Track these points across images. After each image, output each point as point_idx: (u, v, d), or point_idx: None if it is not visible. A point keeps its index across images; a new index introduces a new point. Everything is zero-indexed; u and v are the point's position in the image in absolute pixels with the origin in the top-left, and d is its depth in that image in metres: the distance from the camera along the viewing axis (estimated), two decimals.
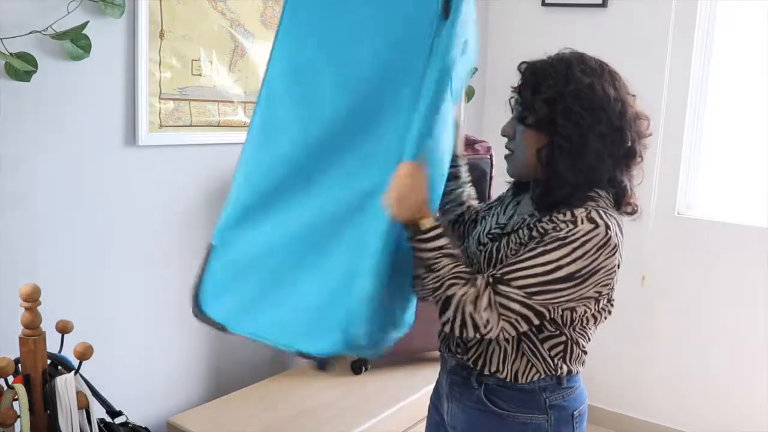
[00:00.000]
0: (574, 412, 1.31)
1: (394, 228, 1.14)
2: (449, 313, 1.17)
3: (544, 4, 2.93)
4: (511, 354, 1.28)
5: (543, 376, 1.28)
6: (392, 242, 1.14)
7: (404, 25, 1.19)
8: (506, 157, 1.32)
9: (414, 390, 2.12)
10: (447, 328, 1.19)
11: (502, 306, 1.16)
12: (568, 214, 1.18)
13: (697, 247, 2.73)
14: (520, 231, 1.25)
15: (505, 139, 1.31)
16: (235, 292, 1.21)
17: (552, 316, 1.22)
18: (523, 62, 1.28)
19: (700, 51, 2.68)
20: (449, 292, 1.17)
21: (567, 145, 1.19)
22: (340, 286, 1.12)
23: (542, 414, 1.28)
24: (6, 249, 1.59)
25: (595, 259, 1.15)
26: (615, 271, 1.20)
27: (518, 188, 1.38)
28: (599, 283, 1.19)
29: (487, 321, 1.16)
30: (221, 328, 1.21)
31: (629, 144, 1.22)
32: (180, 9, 1.82)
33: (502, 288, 1.16)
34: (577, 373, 1.32)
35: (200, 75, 1.91)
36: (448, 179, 1.50)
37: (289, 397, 2.05)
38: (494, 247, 1.29)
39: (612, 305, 1.31)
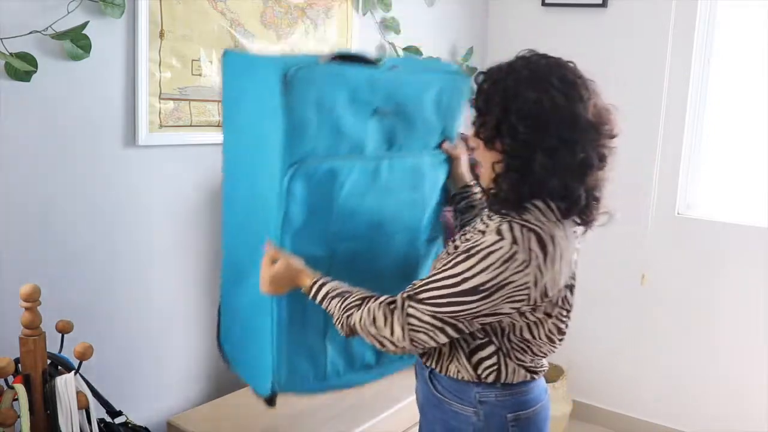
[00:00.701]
0: (509, 415, 1.27)
1: (276, 301, 1.37)
2: (366, 340, 1.22)
3: (544, 4, 2.93)
4: (447, 355, 1.29)
5: (473, 379, 1.27)
6: (283, 312, 1.38)
7: (264, 110, 1.32)
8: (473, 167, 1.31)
9: (414, 390, 2.11)
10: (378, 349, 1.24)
11: (412, 317, 1.17)
12: (482, 224, 1.18)
13: (697, 247, 2.73)
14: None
15: None
16: (230, 336, 1.62)
17: (470, 329, 1.19)
18: (479, 72, 1.24)
19: (700, 51, 2.68)
20: (350, 323, 1.23)
21: (515, 162, 1.17)
22: (264, 345, 1.40)
23: (472, 407, 1.28)
24: (6, 249, 1.59)
25: (500, 273, 1.11)
26: (529, 287, 1.13)
27: None
28: (510, 299, 1.14)
29: (392, 333, 1.18)
30: (227, 363, 1.65)
31: (582, 155, 1.16)
32: (180, 9, 1.82)
33: (412, 302, 1.18)
34: (515, 382, 1.27)
35: (200, 75, 1.91)
36: (464, 211, 1.53)
37: (289, 397, 2.05)
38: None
39: (562, 321, 1.26)
